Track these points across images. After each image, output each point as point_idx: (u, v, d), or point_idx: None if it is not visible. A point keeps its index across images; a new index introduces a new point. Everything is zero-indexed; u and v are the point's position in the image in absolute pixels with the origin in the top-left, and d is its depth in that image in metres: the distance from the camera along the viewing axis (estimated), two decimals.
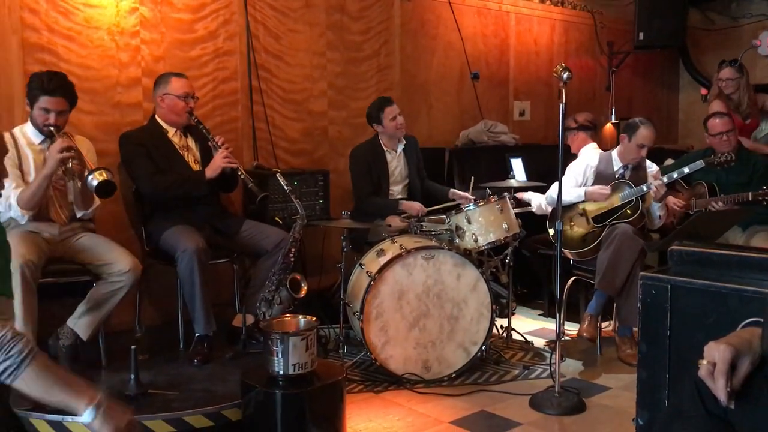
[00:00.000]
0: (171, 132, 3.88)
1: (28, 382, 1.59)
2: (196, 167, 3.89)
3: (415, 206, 4.41)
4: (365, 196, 4.49)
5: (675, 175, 4.13)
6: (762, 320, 1.54)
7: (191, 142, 3.96)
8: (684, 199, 4.33)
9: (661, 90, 7.67)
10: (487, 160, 5.35)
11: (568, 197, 4.05)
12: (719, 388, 1.46)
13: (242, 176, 3.75)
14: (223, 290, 4.31)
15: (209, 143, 3.83)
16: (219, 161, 3.75)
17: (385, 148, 4.56)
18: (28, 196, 3.25)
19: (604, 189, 4.08)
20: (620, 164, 4.18)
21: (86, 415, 1.58)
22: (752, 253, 2.11)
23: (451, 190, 4.56)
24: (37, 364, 1.60)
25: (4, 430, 2.02)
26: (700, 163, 4.09)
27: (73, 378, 1.65)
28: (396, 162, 4.60)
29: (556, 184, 3.53)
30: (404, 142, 4.63)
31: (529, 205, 4.50)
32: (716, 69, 5.23)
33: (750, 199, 4.00)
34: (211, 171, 3.76)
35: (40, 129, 3.40)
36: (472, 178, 4.46)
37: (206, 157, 3.91)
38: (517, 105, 6.31)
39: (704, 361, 1.49)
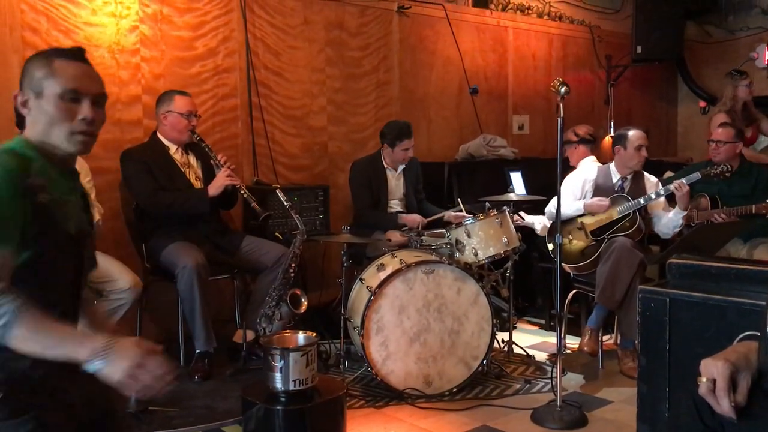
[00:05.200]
0: (173, 149, 3.90)
1: (23, 340, 1.49)
2: (197, 184, 3.91)
3: (416, 218, 4.45)
4: (365, 208, 4.52)
5: (671, 187, 4.13)
6: (759, 333, 1.54)
7: (192, 159, 3.98)
8: None
9: (659, 103, 7.70)
10: (486, 174, 5.36)
11: (567, 210, 4.06)
12: (724, 407, 1.46)
13: (245, 195, 3.76)
14: (224, 306, 4.32)
15: (211, 162, 3.85)
16: (222, 179, 3.77)
17: (386, 166, 4.59)
18: None
19: (603, 201, 4.09)
20: (619, 176, 4.19)
21: (92, 368, 1.47)
22: (750, 265, 2.12)
23: (446, 213, 4.53)
24: (29, 319, 1.50)
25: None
26: (697, 175, 4.10)
27: (68, 330, 1.58)
28: (395, 180, 4.65)
29: (555, 199, 3.54)
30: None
31: (532, 228, 4.52)
32: (732, 81, 5.28)
33: (753, 211, 4.01)
34: (214, 189, 3.77)
35: None
36: (459, 199, 4.47)
37: (208, 174, 3.92)
38: (516, 119, 6.33)
39: (703, 379, 1.49)
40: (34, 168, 1.65)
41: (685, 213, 4.05)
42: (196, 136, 3.86)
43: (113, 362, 1.47)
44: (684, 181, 3.99)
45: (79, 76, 1.73)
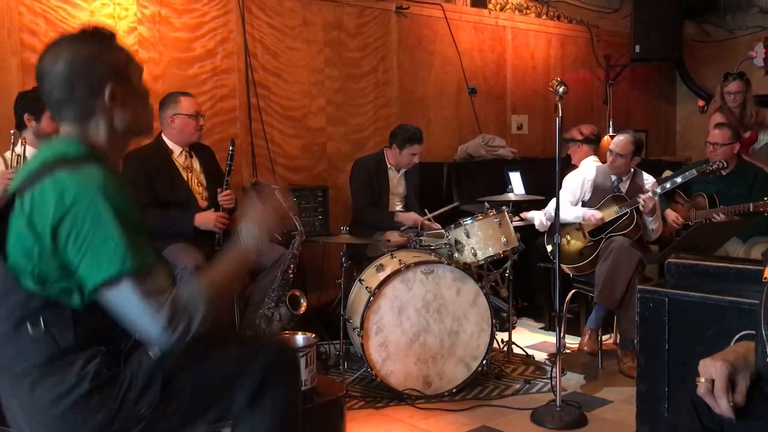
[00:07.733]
0: (176, 152, 3.87)
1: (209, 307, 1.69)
2: (198, 190, 3.88)
3: (412, 216, 4.46)
4: (363, 206, 4.52)
5: (668, 185, 4.13)
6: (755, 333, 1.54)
7: (196, 164, 3.94)
8: (683, 211, 4.34)
9: (658, 102, 7.71)
10: (485, 174, 5.36)
11: (567, 216, 4.06)
12: (722, 407, 1.46)
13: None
14: (223, 308, 4.31)
15: (223, 181, 3.81)
16: (212, 222, 3.72)
17: (389, 166, 4.60)
18: None
19: (597, 214, 4.07)
20: (615, 177, 4.19)
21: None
22: (749, 265, 2.12)
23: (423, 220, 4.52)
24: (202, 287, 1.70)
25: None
26: (692, 173, 4.10)
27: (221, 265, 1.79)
28: (397, 181, 4.66)
29: (554, 200, 3.54)
30: None
31: (532, 223, 4.52)
32: (720, 81, 5.23)
33: (751, 209, 4.00)
34: (200, 222, 3.73)
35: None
36: (425, 210, 4.46)
37: (210, 179, 3.89)
38: (515, 119, 6.34)
39: (702, 379, 1.49)
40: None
41: (652, 217, 4.04)
42: (230, 150, 3.81)
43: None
44: (653, 194, 3.98)
45: None
